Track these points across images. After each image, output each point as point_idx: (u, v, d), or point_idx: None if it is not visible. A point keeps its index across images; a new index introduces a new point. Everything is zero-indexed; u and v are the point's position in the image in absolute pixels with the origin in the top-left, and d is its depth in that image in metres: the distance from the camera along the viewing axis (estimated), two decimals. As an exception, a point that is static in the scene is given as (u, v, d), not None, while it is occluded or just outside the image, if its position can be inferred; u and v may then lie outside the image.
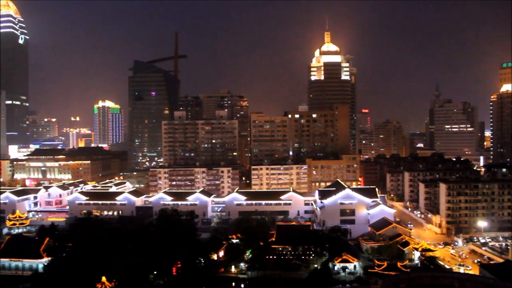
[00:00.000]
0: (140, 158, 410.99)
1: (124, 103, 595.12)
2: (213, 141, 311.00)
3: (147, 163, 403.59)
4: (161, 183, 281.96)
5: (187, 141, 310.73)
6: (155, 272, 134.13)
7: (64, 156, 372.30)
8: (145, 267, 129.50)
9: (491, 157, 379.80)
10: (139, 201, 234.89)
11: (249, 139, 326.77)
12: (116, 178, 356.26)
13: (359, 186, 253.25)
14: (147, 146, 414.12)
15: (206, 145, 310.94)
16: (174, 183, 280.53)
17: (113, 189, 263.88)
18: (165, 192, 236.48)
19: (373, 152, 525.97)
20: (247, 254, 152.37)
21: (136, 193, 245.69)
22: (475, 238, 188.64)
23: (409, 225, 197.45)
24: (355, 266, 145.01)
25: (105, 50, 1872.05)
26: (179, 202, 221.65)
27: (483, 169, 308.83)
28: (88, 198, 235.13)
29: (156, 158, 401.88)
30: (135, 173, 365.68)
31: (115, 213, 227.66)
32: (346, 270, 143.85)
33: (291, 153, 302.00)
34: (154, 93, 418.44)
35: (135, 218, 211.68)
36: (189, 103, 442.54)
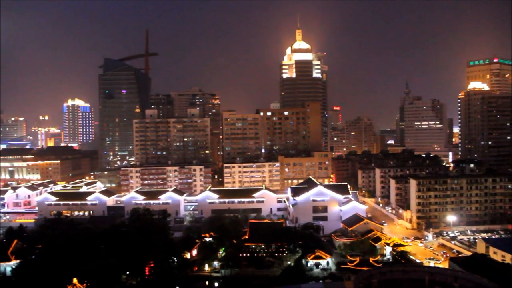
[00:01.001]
0: (111, 157, 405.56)
1: (94, 102, 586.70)
2: (185, 139, 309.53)
3: (118, 162, 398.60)
4: (132, 182, 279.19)
5: (159, 140, 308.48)
6: (127, 272, 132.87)
7: (32, 156, 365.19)
8: (117, 267, 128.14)
9: (460, 153, 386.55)
10: (110, 200, 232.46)
11: (221, 137, 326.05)
12: (87, 177, 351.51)
13: (331, 183, 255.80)
14: (118, 145, 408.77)
15: (178, 144, 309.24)
16: (146, 182, 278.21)
17: (84, 189, 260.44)
18: (137, 191, 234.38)
19: (344, 149, 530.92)
20: (220, 252, 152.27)
21: (107, 192, 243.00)
22: (444, 232, 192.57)
23: (384, 224, 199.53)
24: (328, 262, 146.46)
25: (74, 47, 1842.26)
26: (151, 201, 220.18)
27: (451, 165, 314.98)
28: (58, 198, 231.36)
29: (127, 157, 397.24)
30: (106, 172, 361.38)
31: (86, 213, 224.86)
32: (319, 266, 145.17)
33: (263, 150, 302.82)
34: (125, 91, 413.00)
35: (107, 218, 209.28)
36: (160, 101, 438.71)
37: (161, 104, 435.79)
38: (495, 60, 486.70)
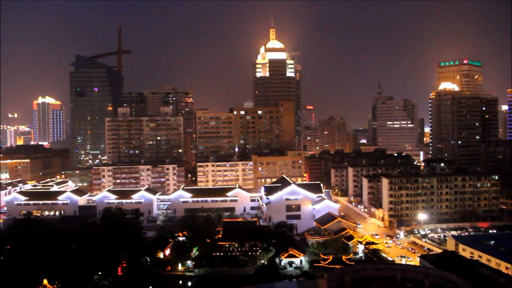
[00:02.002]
0: (83, 156, 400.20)
1: (66, 100, 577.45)
2: (158, 138, 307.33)
3: (90, 161, 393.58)
4: (105, 182, 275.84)
5: (132, 138, 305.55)
6: (99, 273, 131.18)
7: (1, 155, 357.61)
8: (89, 267, 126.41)
9: (430, 152, 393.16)
10: (82, 200, 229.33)
11: (194, 135, 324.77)
12: (58, 177, 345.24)
13: (304, 182, 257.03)
14: (90, 143, 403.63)
15: (150, 142, 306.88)
16: (118, 181, 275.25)
17: (55, 188, 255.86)
18: (109, 191, 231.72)
19: (317, 148, 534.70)
20: (193, 251, 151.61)
21: (79, 192, 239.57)
22: (415, 230, 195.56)
23: (359, 225, 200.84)
24: (301, 261, 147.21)
25: (45, 44, 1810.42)
26: (124, 201, 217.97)
27: (423, 164, 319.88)
28: (27, 198, 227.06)
29: (99, 156, 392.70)
30: (77, 171, 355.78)
31: (57, 213, 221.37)
32: (293, 265, 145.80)
33: (236, 149, 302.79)
34: (97, 89, 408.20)
35: (78, 217, 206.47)
36: (133, 100, 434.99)
37: (134, 102, 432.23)
38: (465, 61, 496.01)
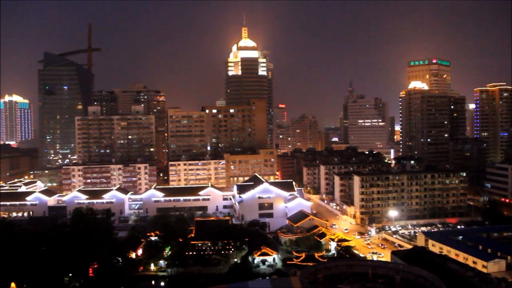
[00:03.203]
0: (52, 155, 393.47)
1: (34, 98, 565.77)
2: (129, 137, 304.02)
3: (59, 160, 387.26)
4: (75, 182, 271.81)
5: (102, 137, 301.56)
6: (70, 275, 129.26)
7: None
8: (59, 269, 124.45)
9: (401, 150, 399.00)
10: (51, 200, 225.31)
11: (166, 134, 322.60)
12: (26, 177, 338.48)
13: (276, 180, 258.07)
14: (60, 143, 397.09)
15: (122, 141, 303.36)
16: (89, 181, 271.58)
17: (23, 188, 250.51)
18: (79, 191, 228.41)
19: (289, 146, 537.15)
20: (166, 251, 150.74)
21: (48, 192, 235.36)
22: (386, 227, 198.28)
23: (334, 227, 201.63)
24: (274, 259, 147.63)
25: (11, 40, 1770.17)
26: (95, 201, 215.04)
27: (393, 162, 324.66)
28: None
29: (69, 156, 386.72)
30: (46, 171, 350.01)
31: (26, 214, 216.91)
32: (266, 263, 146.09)
33: (209, 148, 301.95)
34: (66, 87, 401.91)
35: (48, 218, 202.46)
36: (103, 98, 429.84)
37: (105, 101, 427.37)
38: (434, 61, 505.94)
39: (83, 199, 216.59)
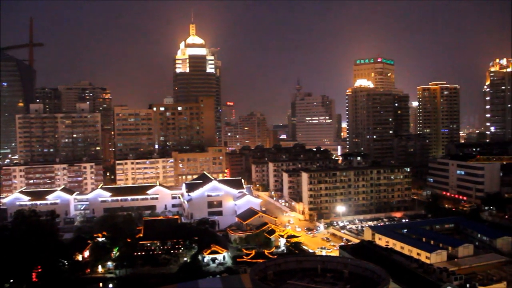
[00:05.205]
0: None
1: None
2: (74, 135, 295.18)
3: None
4: (16, 182, 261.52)
5: (46, 136, 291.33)
6: (11, 280, 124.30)
7: None
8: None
9: (347, 146, 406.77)
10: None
11: (112, 133, 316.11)
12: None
13: (225, 178, 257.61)
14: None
15: (66, 140, 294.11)
16: (31, 181, 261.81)
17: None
18: (21, 192, 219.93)
19: (238, 144, 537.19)
20: (114, 252, 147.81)
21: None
22: (335, 222, 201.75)
23: (288, 227, 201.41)
24: (224, 257, 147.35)
25: None
26: (38, 202, 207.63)
27: (340, 158, 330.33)
28: None
29: (10, 155, 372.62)
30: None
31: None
32: (216, 261, 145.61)
33: (156, 146, 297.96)
34: (6, 84, 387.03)
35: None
36: (46, 95, 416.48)
37: (48, 98, 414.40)
38: (379, 60, 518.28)
39: (25, 200, 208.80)
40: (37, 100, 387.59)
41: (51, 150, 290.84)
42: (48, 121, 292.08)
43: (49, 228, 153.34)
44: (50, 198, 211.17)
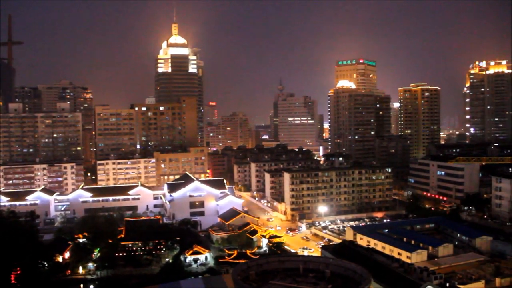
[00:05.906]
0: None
1: None
2: (55, 135, 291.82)
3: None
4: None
5: (25, 136, 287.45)
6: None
7: None
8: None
9: (329, 147, 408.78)
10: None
11: (94, 132, 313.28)
12: None
13: (207, 178, 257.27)
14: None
15: (46, 140, 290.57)
16: (10, 182, 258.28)
17: None
18: None
19: (220, 144, 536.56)
20: (95, 253, 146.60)
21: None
22: (317, 222, 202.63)
23: (271, 228, 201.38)
24: (206, 257, 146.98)
25: None
26: (17, 203, 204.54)
27: (322, 159, 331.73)
28: None
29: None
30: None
31: None
32: (198, 261, 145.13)
33: (138, 146, 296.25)
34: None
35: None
36: (26, 95, 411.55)
37: (27, 97, 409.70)
38: (361, 61, 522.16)
39: (4, 201, 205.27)
40: (16, 99, 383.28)
41: (31, 150, 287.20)
42: (28, 121, 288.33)
43: (28, 229, 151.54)
44: (30, 199, 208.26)
